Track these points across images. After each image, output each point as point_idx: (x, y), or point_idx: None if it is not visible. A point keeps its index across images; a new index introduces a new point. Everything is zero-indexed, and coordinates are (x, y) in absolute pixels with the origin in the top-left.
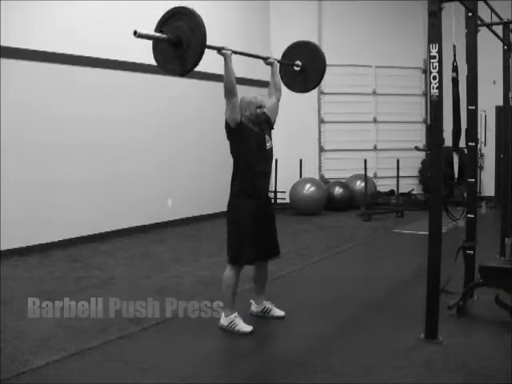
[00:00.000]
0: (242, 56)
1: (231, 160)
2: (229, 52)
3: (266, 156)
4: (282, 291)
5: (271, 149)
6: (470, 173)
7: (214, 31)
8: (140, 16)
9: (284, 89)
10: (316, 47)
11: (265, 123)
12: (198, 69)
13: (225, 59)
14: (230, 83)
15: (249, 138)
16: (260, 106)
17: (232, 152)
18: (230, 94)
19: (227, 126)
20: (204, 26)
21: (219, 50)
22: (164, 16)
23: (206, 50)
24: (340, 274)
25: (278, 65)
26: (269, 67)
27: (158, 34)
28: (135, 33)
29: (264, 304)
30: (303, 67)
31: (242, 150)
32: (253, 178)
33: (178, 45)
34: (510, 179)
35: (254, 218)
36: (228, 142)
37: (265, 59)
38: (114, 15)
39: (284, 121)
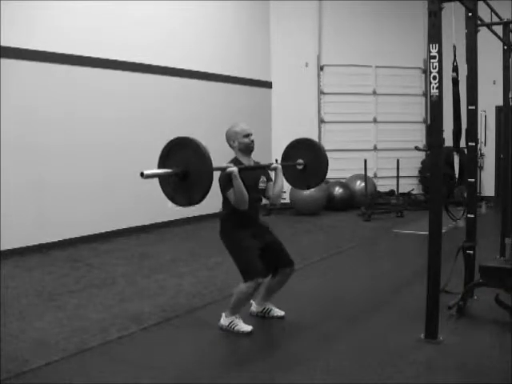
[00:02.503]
0: (242, 56)
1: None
2: (235, 169)
3: (258, 197)
4: (282, 291)
5: (264, 190)
6: (470, 173)
7: (214, 31)
8: (140, 16)
9: (282, 88)
10: (314, 142)
11: (263, 171)
12: (198, 69)
13: (233, 177)
14: (242, 201)
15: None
16: (247, 135)
17: (223, 193)
18: (241, 205)
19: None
20: (210, 160)
21: (224, 170)
22: (168, 145)
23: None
24: (340, 274)
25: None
26: (268, 68)
27: (165, 171)
28: (142, 174)
29: (264, 304)
30: (305, 164)
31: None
32: (245, 213)
33: (185, 178)
34: (510, 179)
35: (251, 237)
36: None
37: (268, 167)
38: (114, 15)
39: (284, 121)
